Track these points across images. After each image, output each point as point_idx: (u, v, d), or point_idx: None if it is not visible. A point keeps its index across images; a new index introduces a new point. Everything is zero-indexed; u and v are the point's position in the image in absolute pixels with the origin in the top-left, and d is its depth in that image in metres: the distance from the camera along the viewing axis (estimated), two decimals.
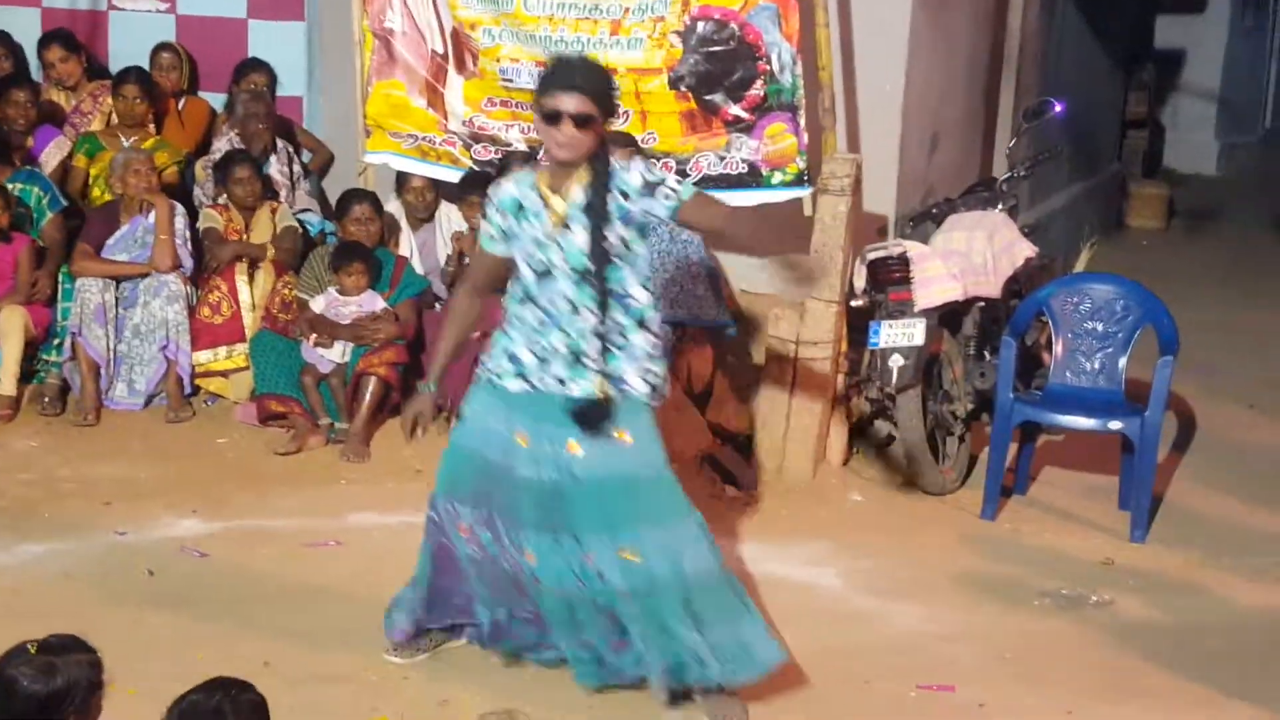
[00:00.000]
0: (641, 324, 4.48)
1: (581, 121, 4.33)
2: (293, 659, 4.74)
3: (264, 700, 3.07)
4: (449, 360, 4.78)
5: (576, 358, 4.44)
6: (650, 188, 4.41)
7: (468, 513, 4.57)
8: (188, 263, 7.17)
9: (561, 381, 4.45)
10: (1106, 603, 5.56)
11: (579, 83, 4.35)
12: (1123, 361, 6.43)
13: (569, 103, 4.32)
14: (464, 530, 4.60)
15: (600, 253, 4.39)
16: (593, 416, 4.42)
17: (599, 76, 4.47)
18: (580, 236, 4.40)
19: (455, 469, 4.63)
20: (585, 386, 4.43)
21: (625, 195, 4.40)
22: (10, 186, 7.32)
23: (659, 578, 4.41)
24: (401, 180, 7.50)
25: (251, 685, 3.08)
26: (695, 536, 4.49)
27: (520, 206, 4.49)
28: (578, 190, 4.41)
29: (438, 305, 7.17)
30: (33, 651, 2.98)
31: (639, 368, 4.47)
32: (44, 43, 8.08)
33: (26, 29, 8.31)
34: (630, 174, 4.42)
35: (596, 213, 4.38)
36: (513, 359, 4.52)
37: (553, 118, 4.35)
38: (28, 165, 7.54)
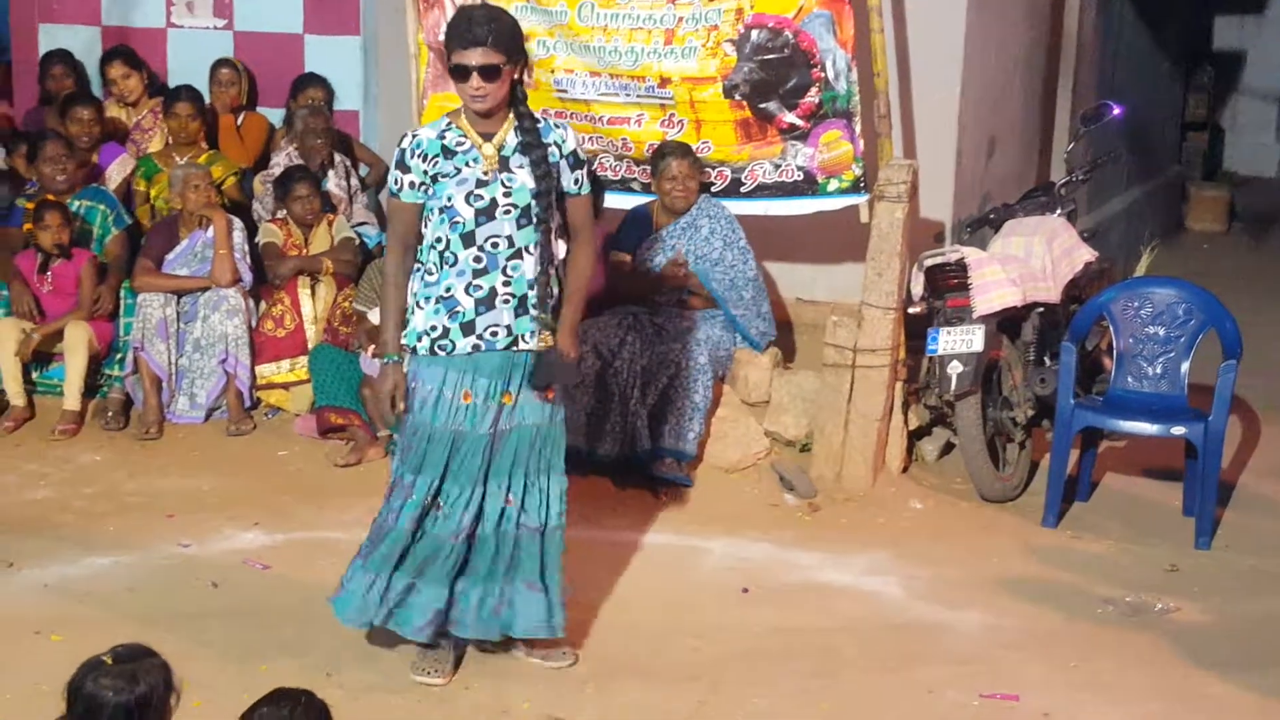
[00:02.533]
0: (558, 278, 4.65)
1: (487, 73, 4.47)
2: (355, 670, 4.77)
3: (328, 709, 3.10)
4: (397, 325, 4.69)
5: (521, 303, 4.56)
6: (575, 162, 4.65)
7: (421, 483, 4.60)
8: (247, 277, 7.23)
9: (509, 331, 4.56)
10: (1171, 610, 5.50)
11: (479, 36, 4.47)
12: (1185, 366, 6.36)
13: (472, 57, 4.47)
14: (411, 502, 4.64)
15: (547, 186, 4.55)
16: (552, 372, 4.57)
17: (500, 25, 4.54)
18: (523, 174, 4.55)
19: (418, 444, 4.62)
20: (532, 338, 4.56)
21: (559, 148, 4.60)
22: (77, 204, 7.42)
23: (524, 525, 4.64)
24: None
25: (315, 694, 3.10)
26: (561, 494, 4.69)
27: (445, 149, 4.57)
28: (510, 134, 4.57)
29: None
30: (109, 663, 3.02)
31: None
32: (106, 59, 8.18)
33: (87, 48, 8.44)
34: (567, 136, 4.66)
35: (536, 149, 4.54)
36: (446, 304, 4.55)
37: (460, 73, 4.50)
38: (94, 182, 7.64)
